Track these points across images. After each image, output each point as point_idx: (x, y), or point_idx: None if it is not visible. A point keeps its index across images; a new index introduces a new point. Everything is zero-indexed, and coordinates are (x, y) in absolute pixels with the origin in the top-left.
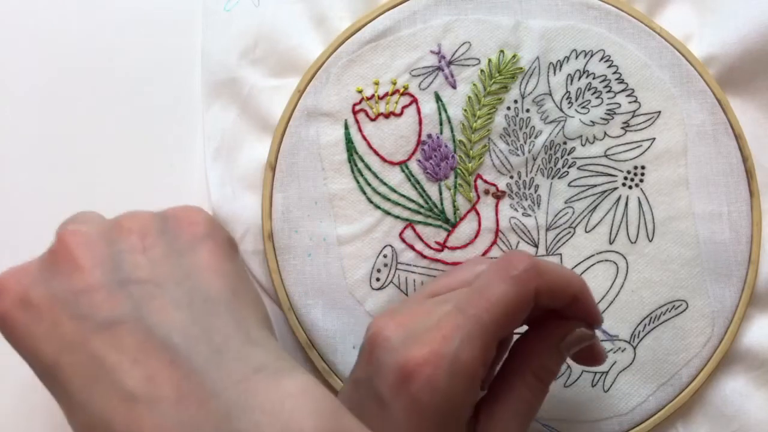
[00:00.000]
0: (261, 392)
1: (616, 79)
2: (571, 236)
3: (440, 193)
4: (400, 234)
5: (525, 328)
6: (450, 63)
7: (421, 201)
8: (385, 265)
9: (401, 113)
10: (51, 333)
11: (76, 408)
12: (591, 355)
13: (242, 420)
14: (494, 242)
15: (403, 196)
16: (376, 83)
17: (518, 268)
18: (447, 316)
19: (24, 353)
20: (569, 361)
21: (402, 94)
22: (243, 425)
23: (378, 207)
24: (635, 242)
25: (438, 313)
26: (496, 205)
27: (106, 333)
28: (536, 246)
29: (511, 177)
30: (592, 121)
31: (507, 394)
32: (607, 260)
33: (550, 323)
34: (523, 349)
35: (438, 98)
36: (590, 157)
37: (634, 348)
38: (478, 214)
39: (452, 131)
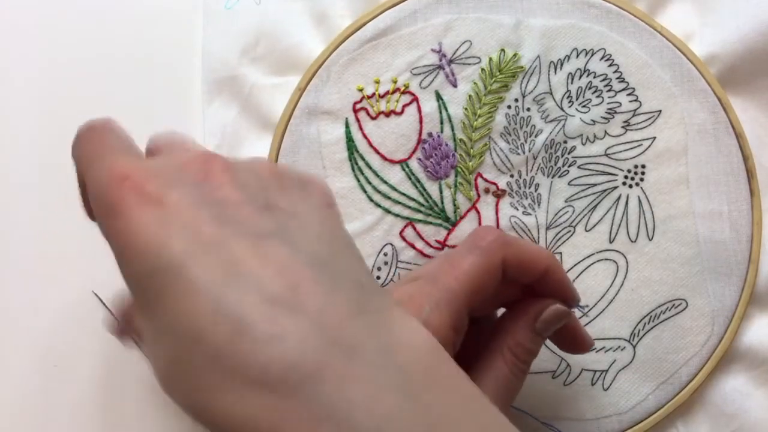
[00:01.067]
0: (397, 325)
1: (617, 78)
2: (571, 235)
3: (441, 192)
4: (401, 232)
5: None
6: (451, 61)
7: (421, 199)
8: (386, 263)
9: (402, 112)
10: (187, 228)
11: (202, 302)
12: (574, 340)
13: (384, 343)
14: None
15: (404, 194)
16: (377, 82)
17: (486, 239)
18: (419, 288)
19: (141, 247)
20: (569, 359)
21: (403, 93)
22: (385, 347)
23: (378, 205)
24: (635, 241)
25: (412, 289)
26: (497, 204)
27: (252, 242)
28: (536, 245)
29: (512, 176)
30: (592, 120)
31: (485, 372)
32: (607, 259)
33: (527, 301)
34: (501, 328)
35: (439, 97)
36: (590, 156)
37: (634, 347)
38: (478, 212)
39: (453, 130)
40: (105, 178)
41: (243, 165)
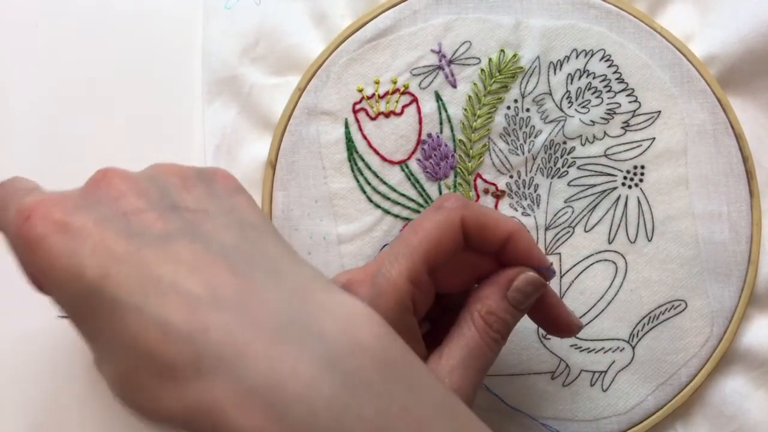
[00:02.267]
0: (318, 299)
1: (617, 79)
2: (571, 236)
3: (440, 193)
4: (400, 233)
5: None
6: (450, 62)
7: (420, 200)
8: None
9: (401, 112)
10: (97, 249)
11: (128, 315)
12: (556, 320)
13: (305, 319)
14: None
15: (403, 195)
16: (377, 82)
17: (446, 202)
18: (385, 251)
19: (61, 276)
20: (568, 360)
21: (402, 93)
22: (306, 323)
23: (378, 206)
24: (634, 242)
25: (383, 251)
26: (496, 205)
27: (161, 247)
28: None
29: (511, 176)
30: (592, 121)
31: (453, 338)
32: (606, 260)
33: (500, 271)
34: (475, 295)
35: (438, 97)
36: (590, 157)
37: (633, 347)
38: None
39: (452, 130)
40: (13, 219)
41: (142, 172)
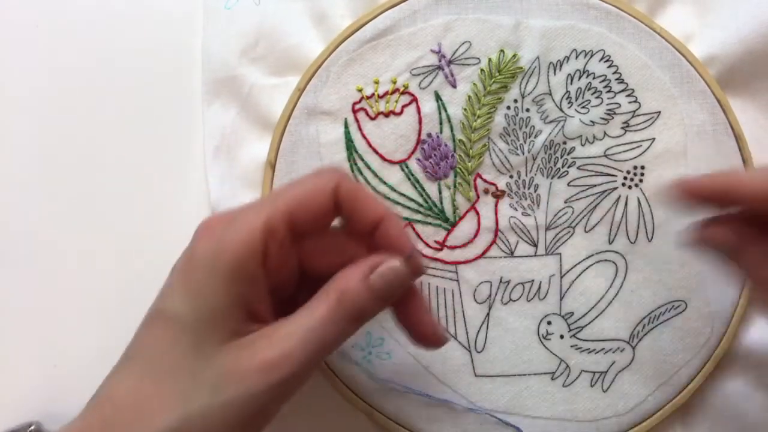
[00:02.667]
0: None
1: (616, 79)
2: (571, 236)
3: (440, 193)
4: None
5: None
6: (450, 62)
7: (420, 200)
8: None
9: (401, 112)
10: None
11: None
12: (419, 325)
13: None
14: (493, 241)
15: (403, 195)
16: (376, 82)
17: (326, 169)
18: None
19: None
20: (568, 360)
21: (402, 93)
22: None
23: None
24: (635, 242)
25: None
26: (496, 205)
27: None
28: (535, 245)
29: (511, 176)
30: (591, 121)
31: (305, 308)
32: (606, 260)
33: (368, 256)
34: (337, 274)
35: (438, 97)
36: (590, 157)
37: (633, 348)
38: (477, 213)
39: (452, 130)
40: None
41: None
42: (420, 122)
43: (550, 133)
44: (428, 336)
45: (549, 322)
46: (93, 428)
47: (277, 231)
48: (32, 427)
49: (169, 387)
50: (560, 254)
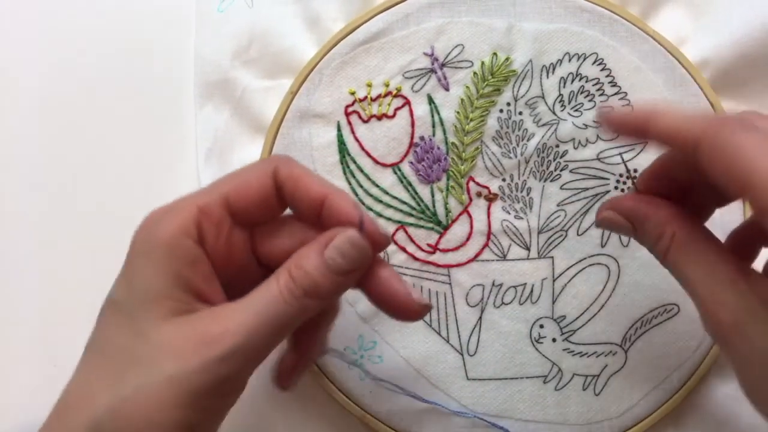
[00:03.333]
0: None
1: (609, 82)
2: (563, 239)
3: (432, 196)
4: (392, 236)
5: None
6: (443, 65)
7: (413, 203)
8: None
9: (394, 115)
10: None
11: None
12: (393, 297)
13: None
14: (486, 245)
15: (395, 198)
16: (369, 85)
17: (271, 157)
18: None
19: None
20: (560, 364)
21: (395, 96)
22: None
23: (370, 209)
24: (627, 245)
25: None
26: (489, 208)
27: None
28: (528, 248)
29: (504, 179)
30: (584, 124)
31: (257, 289)
32: (598, 263)
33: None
34: (292, 255)
35: (431, 100)
36: (582, 160)
37: (626, 351)
38: (470, 216)
39: (445, 133)
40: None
41: None
42: (413, 125)
43: (543, 137)
44: (405, 306)
45: (541, 326)
46: (52, 428)
47: (212, 213)
48: None
49: (107, 370)
50: (553, 257)
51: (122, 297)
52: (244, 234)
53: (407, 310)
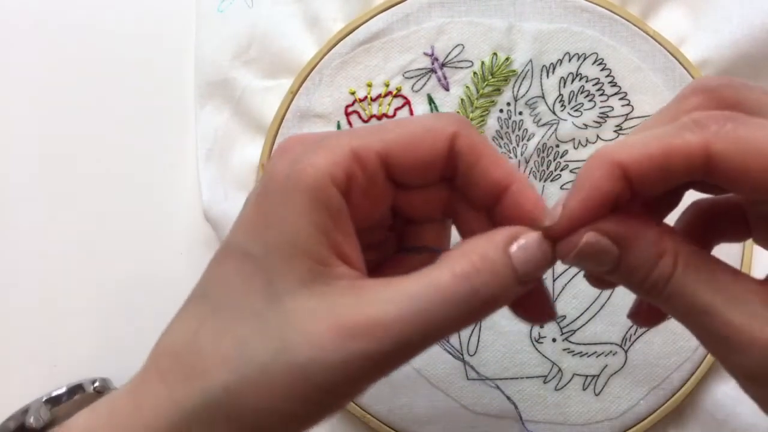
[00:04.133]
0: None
1: (609, 82)
2: None
3: None
4: None
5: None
6: (443, 65)
7: None
8: None
9: (394, 115)
10: None
11: None
12: (538, 302)
13: None
14: None
15: None
16: (369, 85)
17: (448, 113)
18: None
19: None
20: (560, 363)
21: (395, 96)
22: None
23: None
24: None
25: None
26: None
27: None
28: None
29: None
30: (584, 124)
31: (420, 272)
32: None
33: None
34: (464, 241)
35: (431, 100)
36: (583, 161)
37: (626, 351)
38: None
39: None
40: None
41: None
42: None
43: (543, 137)
44: (543, 311)
45: (541, 326)
46: (152, 383)
47: (368, 163)
48: (96, 384)
49: (230, 335)
50: None
51: (252, 245)
52: (391, 192)
53: (543, 315)
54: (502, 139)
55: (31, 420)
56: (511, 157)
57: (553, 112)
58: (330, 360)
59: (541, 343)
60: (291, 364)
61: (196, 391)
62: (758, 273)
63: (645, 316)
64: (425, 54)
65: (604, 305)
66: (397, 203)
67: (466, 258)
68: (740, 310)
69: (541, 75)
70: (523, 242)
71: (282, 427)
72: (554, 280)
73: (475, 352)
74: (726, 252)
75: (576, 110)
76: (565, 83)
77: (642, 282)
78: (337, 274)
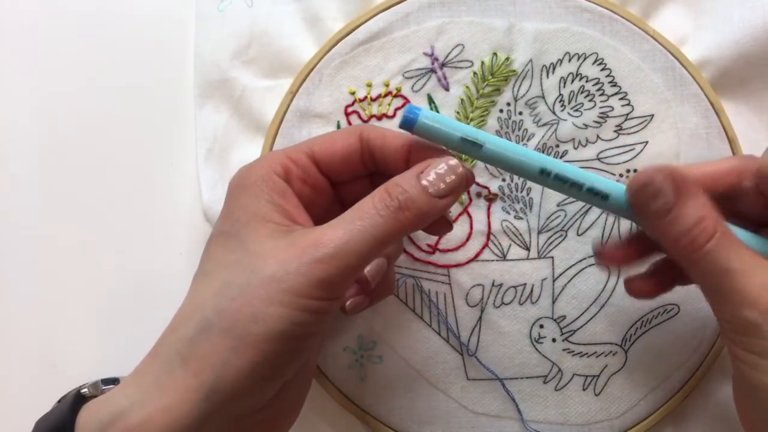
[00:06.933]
0: None
1: (609, 82)
2: (563, 239)
3: None
4: None
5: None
6: (443, 65)
7: None
8: None
9: (394, 115)
10: None
11: None
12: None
13: None
14: (486, 245)
15: None
16: (369, 85)
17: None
18: None
19: None
20: (560, 363)
21: (395, 96)
22: None
23: None
24: None
25: None
26: (488, 208)
27: None
28: (528, 249)
29: (504, 179)
30: (584, 124)
31: (351, 207)
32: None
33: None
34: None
35: (431, 100)
36: (583, 160)
37: (626, 352)
38: (470, 216)
39: None
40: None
41: None
42: None
43: (543, 136)
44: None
45: (541, 326)
46: (165, 339)
47: (298, 159)
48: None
49: (215, 283)
50: (552, 258)
51: (227, 226)
52: (329, 186)
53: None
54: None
55: (85, 390)
56: None
57: (553, 112)
58: (293, 267)
59: (541, 343)
60: (261, 277)
61: (194, 321)
62: None
63: (639, 285)
64: (425, 54)
65: (603, 306)
66: (342, 197)
67: (384, 186)
68: (759, 278)
69: (541, 75)
70: (434, 165)
71: (266, 330)
72: (554, 281)
73: (475, 352)
74: None
75: (576, 110)
76: (565, 83)
77: (684, 234)
78: (294, 229)
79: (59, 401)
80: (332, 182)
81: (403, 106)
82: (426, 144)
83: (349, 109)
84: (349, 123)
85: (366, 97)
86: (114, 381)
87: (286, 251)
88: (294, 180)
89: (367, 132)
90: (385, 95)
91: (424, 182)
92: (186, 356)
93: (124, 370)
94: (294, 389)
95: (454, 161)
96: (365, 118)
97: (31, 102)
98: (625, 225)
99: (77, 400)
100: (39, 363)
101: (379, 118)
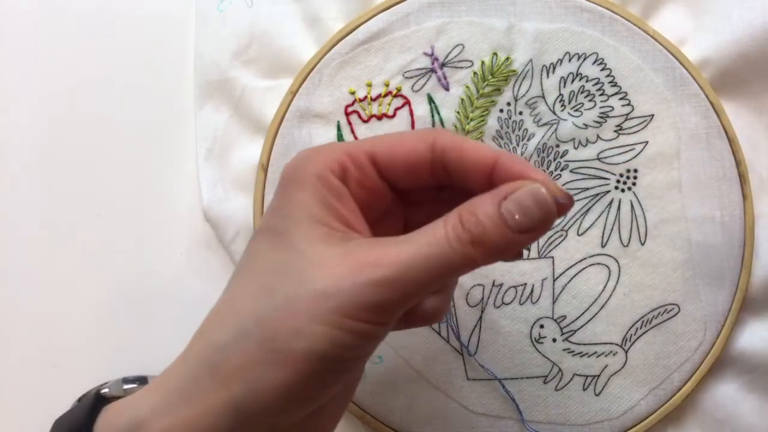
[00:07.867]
0: None
1: (610, 82)
2: (563, 239)
3: None
4: None
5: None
6: (443, 65)
7: None
8: None
9: (394, 115)
10: None
11: None
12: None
13: None
14: None
15: None
16: (369, 85)
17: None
18: None
19: None
20: (560, 363)
21: (395, 96)
22: None
23: None
24: (627, 245)
25: None
26: None
27: None
28: (528, 248)
29: None
30: (584, 124)
31: (420, 231)
32: (599, 263)
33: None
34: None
35: (431, 100)
36: (583, 160)
37: (626, 352)
38: None
39: None
40: None
41: None
42: (413, 125)
43: (543, 136)
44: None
45: (541, 326)
46: (195, 345)
47: (358, 158)
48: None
49: (260, 283)
50: (553, 257)
51: (276, 222)
52: (389, 190)
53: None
54: (502, 139)
55: (106, 390)
56: None
57: (553, 112)
58: (345, 285)
59: (542, 343)
60: (310, 290)
61: (229, 326)
62: (758, 272)
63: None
64: (425, 54)
65: (604, 306)
66: (405, 203)
67: (458, 212)
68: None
69: (541, 75)
70: (516, 195)
71: (308, 349)
72: (554, 281)
73: (476, 352)
74: (727, 253)
75: (576, 110)
76: (565, 83)
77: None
78: (351, 237)
79: (79, 400)
80: (393, 188)
81: (403, 105)
82: (516, 160)
83: (349, 109)
84: (349, 123)
85: (366, 97)
86: (137, 380)
87: (341, 264)
88: (351, 182)
89: (442, 140)
90: (385, 95)
91: (503, 211)
92: (216, 365)
93: (124, 370)
94: (329, 410)
95: (544, 191)
96: (365, 118)
97: (31, 102)
98: (625, 225)
99: (97, 400)
100: (39, 363)
101: (380, 117)
